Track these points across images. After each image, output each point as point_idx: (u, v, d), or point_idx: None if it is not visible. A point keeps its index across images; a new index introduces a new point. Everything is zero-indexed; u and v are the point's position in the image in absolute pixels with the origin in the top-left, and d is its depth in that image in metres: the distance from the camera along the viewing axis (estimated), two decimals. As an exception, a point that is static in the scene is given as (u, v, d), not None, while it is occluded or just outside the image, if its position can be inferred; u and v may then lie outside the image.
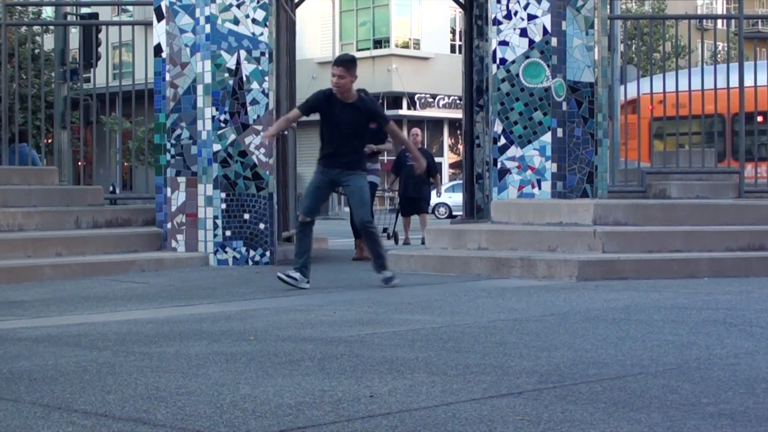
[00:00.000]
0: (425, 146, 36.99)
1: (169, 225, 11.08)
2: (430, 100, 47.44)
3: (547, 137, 11.00)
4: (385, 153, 19.67)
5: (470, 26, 14.53)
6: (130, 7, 31.84)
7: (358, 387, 4.21)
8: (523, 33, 11.06)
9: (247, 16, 11.04)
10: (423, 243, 12.92)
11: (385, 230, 16.32)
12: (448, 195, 35.43)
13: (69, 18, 19.84)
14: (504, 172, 11.09)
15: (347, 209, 12.99)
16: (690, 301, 7.37)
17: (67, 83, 19.33)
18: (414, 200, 15.64)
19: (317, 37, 47.70)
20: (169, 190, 11.10)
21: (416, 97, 46.80)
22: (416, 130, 16.58)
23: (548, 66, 11.03)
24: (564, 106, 11.07)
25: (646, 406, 3.83)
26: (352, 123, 8.47)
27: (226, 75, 11.03)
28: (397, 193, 16.57)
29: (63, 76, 18.91)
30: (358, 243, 12.03)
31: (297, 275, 8.42)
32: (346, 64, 8.57)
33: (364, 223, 8.66)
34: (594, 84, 11.21)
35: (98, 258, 10.20)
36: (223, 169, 11.00)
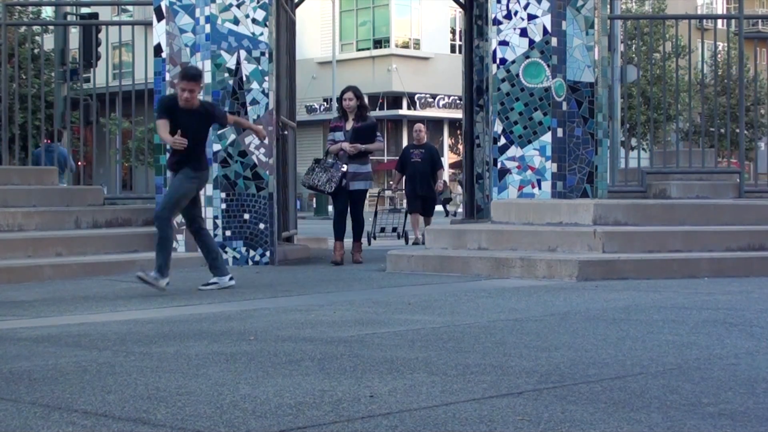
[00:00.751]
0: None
1: (169, 225, 11.06)
2: (430, 100, 47.45)
3: (547, 137, 11.01)
4: (384, 153, 19.61)
5: (470, 26, 14.52)
6: (130, 7, 31.83)
7: (358, 387, 4.21)
8: (523, 33, 11.07)
9: (247, 16, 11.04)
10: (423, 243, 12.91)
11: (394, 230, 16.24)
12: None
13: (69, 18, 19.87)
14: (504, 172, 11.10)
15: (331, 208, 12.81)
16: (690, 301, 7.37)
17: (67, 83, 19.36)
18: (423, 199, 15.43)
19: (317, 37, 47.73)
20: (169, 190, 11.09)
21: (416, 97, 46.82)
22: (419, 126, 16.36)
23: (548, 66, 11.03)
24: (564, 106, 11.08)
25: (646, 406, 3.83)
26: (197, 129, 8.65)
27: (226, 75, 11.03)
28: (404, 192, 16.32)
29: (63, 76, 18.95)
30: (337, 246, 11.33)
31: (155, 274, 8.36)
32: (196, 79, 8.68)
33: (156, 215, 8.79)
34: (594, 84, 11.21)
35: (98, 258, 10.20)
36: (223, 169, 11.01)
